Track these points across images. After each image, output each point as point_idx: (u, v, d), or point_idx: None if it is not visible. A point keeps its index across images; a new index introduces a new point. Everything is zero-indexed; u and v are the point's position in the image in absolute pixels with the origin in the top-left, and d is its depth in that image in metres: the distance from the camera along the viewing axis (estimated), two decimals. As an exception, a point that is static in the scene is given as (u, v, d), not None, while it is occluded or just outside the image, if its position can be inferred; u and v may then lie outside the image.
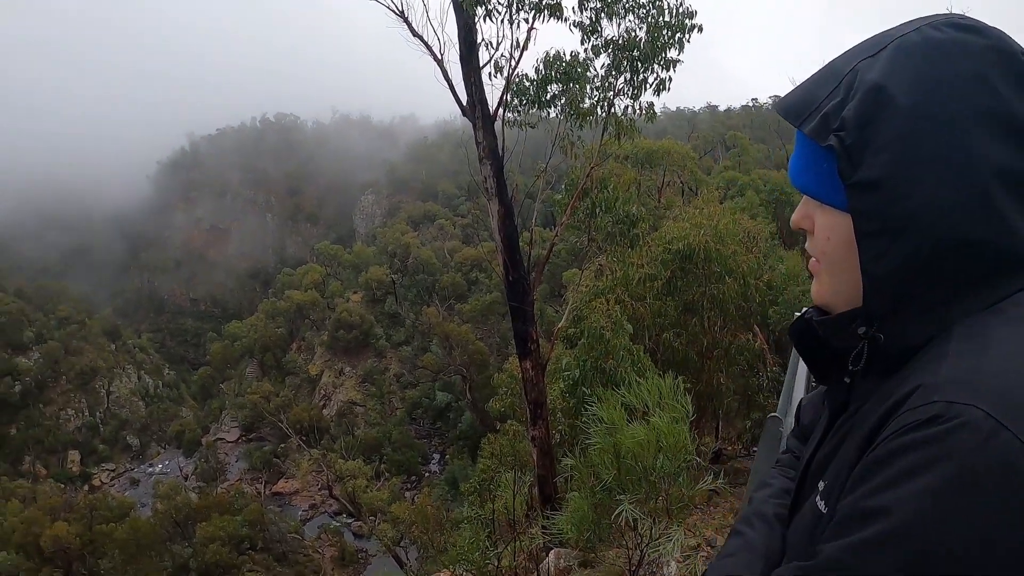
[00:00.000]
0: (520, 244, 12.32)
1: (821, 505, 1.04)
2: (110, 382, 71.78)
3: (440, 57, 11.47)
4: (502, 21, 11.26)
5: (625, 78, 11.99)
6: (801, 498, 1.18)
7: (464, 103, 11.76)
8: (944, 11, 1.03)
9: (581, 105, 11.89)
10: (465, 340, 60.57)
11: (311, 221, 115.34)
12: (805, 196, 1.09)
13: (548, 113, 12.23)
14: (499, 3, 11.10)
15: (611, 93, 12.08)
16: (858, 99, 0.97)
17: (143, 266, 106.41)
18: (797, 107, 1.06)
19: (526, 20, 11.32)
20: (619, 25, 11.74)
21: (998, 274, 0.94)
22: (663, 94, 12.06)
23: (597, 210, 12.92)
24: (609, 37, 11.78)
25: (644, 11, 11.61)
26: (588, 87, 11.92)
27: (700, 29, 11.77)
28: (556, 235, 13.51)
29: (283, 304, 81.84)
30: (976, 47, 0.95)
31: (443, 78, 11.58)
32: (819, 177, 1.04)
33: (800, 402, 1.35)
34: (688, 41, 11.73)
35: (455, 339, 61.10)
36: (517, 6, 11.14)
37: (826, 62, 1.07)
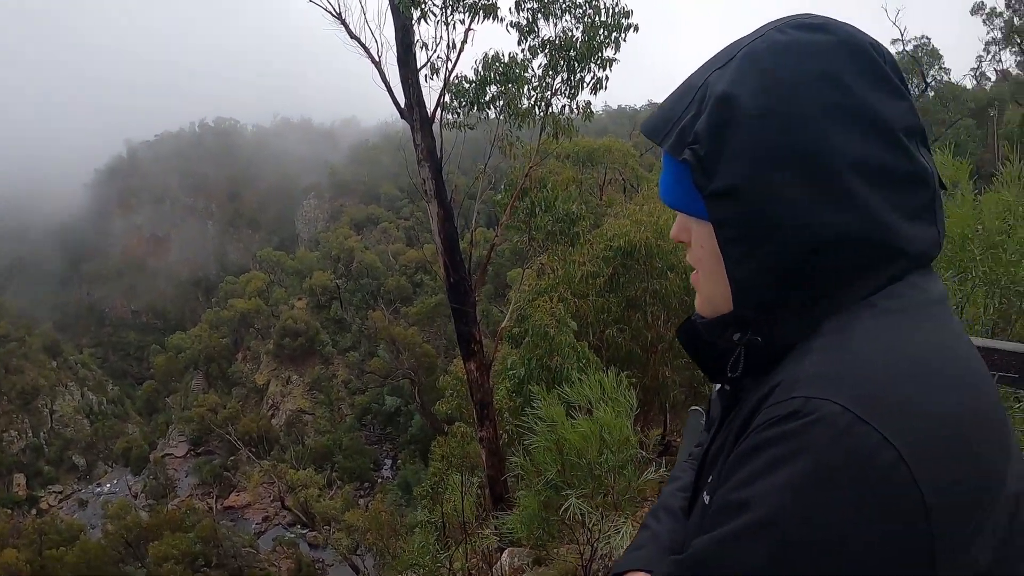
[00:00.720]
0: (461, 245, 12.36)
1: (706, 498, 1.07)
2: (53, 400, 69.86)
3: (378, 59, 11.45)
4: (438, 23, 11.29)
5: (562, 78, 12.05)
6: (697, 491, 1.20)
7: (402, 105, 11.76)
8: (796, 12, 1.05)
9: (519, 106, 11.92)
10: (412, 343, 60.61)
11: (252, 227, 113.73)
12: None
13: (487, 114, 12.27)
14: (434, 4, 11.10)
15: (548, 93, 12.14)
16: (708, 110, 0.98)
17: (83, 278, 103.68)
18: (657, 126, 1.07)
19: (462, 21, 11.36)
20: (556, 25, 11.80)
21: (866, 267, 0.95)
22: (600, 93, 12.24)
23: (537, 209, 12.95)
24: (546, 37, 11.83)
25: (580, 11, 11.66)
26: (526, 88, 11.97)
27: (636, 28, 11.84)
28: (497, 235, 13.58)
29: (226, 313, 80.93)
30: (822, 46, 0.96)
31: (381, 80, 11.57)
32: (684, 191, 1.05)
33: (710, 396, 1.38)
34: (624, 40, 11.79)
35: (402, 342, 61.05)
36: (452, 7, 11.16)
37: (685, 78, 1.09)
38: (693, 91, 1.03)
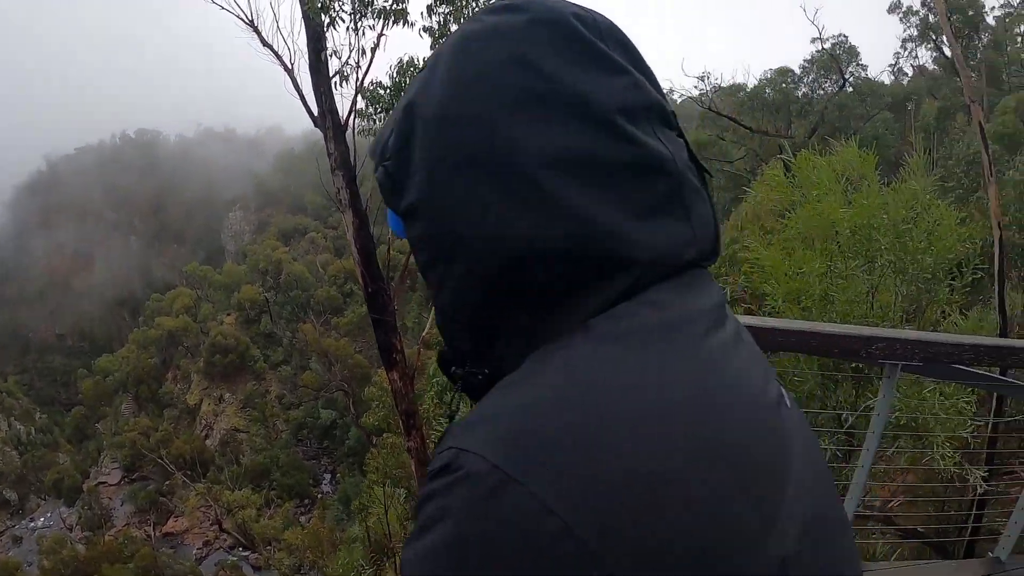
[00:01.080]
0: (379, 254, 12.25)
1: None
2: (-26, 432, 68.17)
3: (290, 66, 11.57)
4: (348, 29, 11.61)
5: None
6: None
7: (315, 113, 11.88)
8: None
9: None
10: (344, 355, 60.74)
11: (178, 241, 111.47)
12: None
13: None
14: (343, 10, 11.45)
15: None
16: (396, 123, 0.86)
17: (4, 301, 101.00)
18: (373, 146, 0.93)
19: (372, 27, 11.70)
20: None
21: (585, 282, 0.78)
22: None
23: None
24: None
25: None
26: None
27: None
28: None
29: (154, 332, 79.08)
30: (512, 26, 0.82)
31: (293, 88, 11.81)
32: (392, 214, 0.90)
33: None
34: None
35: (334, 354, 61.15)
36: (361, 13, 11.53)
37: None
38: (401, 102, 0.88)
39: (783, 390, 0.88)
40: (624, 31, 0.88)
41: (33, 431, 73.78)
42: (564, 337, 0.76)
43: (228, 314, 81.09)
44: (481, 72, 0.80)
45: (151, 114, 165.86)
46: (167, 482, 59.15)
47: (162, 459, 54.12)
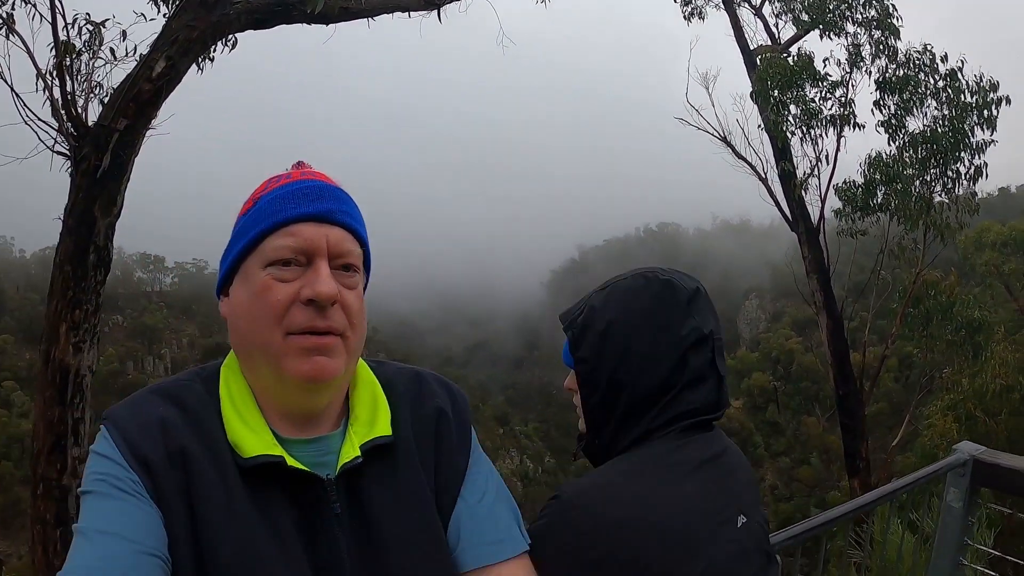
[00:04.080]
0: (851, 357, 12.01)
1: None
2: (495, 461, 76.68)
3: (764, 176, 11.88)
4: (801, 140, 11.53)
5: (935, 173, 11.44)
6: None
7: (789, 218, 11.98)
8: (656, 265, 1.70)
9: (909, 205, 11.38)
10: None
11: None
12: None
13: (877, 218, 11.93)
14: (794, 126, 11.41)
15: (927, 191, 11.53)
16: (583, 313, 1.61)
17: (535, 361, 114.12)
18: (564, 316, 1.69)
19: (823, 135, 11.53)
20: (924, 116, 11.36)
21: (635, 412, 1.52)
22: (981, 180, 11.17)
23: (934, 318, 12.23)
24: (914, 131, 11.40)
25: (943, 95, 11.10)
26: (911, 186, 11.45)
27: (1008, 101, 10.96)
28: (888, 347, 12.95)
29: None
30: (649, 290, 1.57)
31: (768, 195, 11.93)
32: (567, 356, 1.66)
33: None
34: (997, 115, 10.93)
35: (835, 452, 57.70)
36: (808, 125, 11.39)
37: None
38: (584, 302, 1.66)
39: (742, 515, 1.50)
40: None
41: (540, 470, 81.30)
42: (632, 446, 1.53)
43: (736, 399, 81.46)
44: (634, 307, 1.56)
45: (669, 208, 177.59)
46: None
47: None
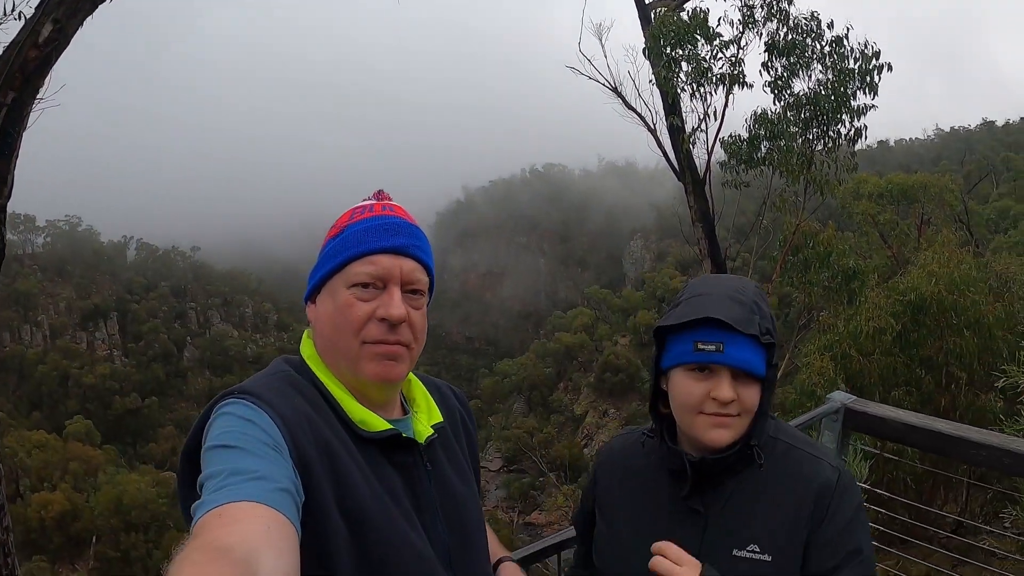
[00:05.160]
0: None
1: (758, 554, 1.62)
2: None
3: (652, 127, 12.33)
4: (691, 97, 11.98)
5: (817, 132, 12.01)
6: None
7: (676, 168, 12.51)
8: None
9: (792, 161, 11.93)
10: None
11: (582, 266, 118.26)
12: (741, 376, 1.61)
13: (761, 171, 12.42)
14: (682, 81, 11.81)
15: (808, 149, 12.11)
16: (769, 319, 1.63)
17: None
18: (747, 324, 1.57)
19: (712, 93, 11.91)
20: (809, 79, 11.85)
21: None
22: (861, 141, 11.98)
23: (812, 265, 13.01)
24: (799, 92, 11.91)
25: (828, 60, 11.63)
26: (793, 143, 11.97)
27: (890, 67, 11.54)
28: (768, 292, 13.67)
29: (553, 345, 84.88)
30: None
31: (657, 146, 12.40)
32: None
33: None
34: (879, 81, 11.51)
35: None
36: (699, 83, 11.79)
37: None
38: (751, 305, 1.60)
39: None
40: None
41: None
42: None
43: (623, 335, 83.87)
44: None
45: (558, 150, 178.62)
46: (540, 479, 61.69)
47: (540, 458, 56.66)
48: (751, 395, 1.58)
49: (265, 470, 1.18)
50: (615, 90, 12.56)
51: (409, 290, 1.51)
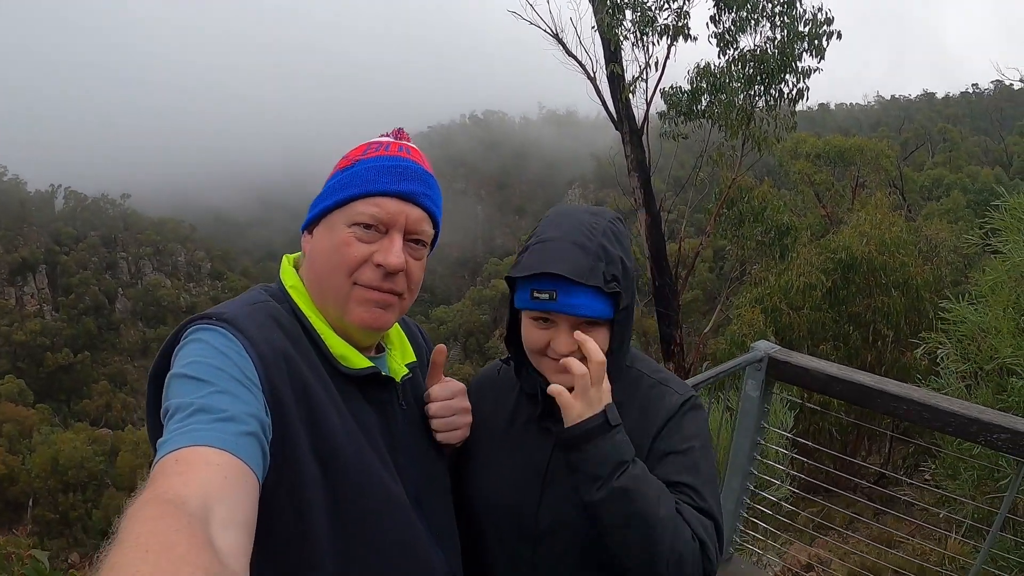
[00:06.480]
0: (667, 252, 12.84)
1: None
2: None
3: (592, 75, 12.28)
4: (633, 46, 11.96)
5: (760, 89, 12.12)
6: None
7: (615, 117, 12.52)
8: None
9: (731, 116, 12.08)
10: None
11: (519, 213, 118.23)
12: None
13: (700, 124, 12.59)
14: (627, 30, 11.79)
15: (749, 105, 12.22)
16: (623, 263, 1.56)
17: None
18: (589, 275, 1.53)
19: (656, 43, 11.93)
20: (756, 36, 11.92)
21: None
22: (802, 101, 12.13)
23: (746, 220, 13.27)
24: (745, 49, 11.98)
25: (779, 20, 11.66)
26: (735, 98, 12.06)
27: (839, 35, 11.66)
28: (702, 244, 13.94)
29: (489, 292, 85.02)
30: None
31: (596, 95, 12.39)
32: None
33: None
34: (827, 47, 11.63)
35: (653, 335, 60.67)
36: (643, 32, 11.78)
37: None
38: (597, 248, 1.56)
39: None
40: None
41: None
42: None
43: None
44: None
45: (498, 96, 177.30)
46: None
47: (477, 403, 57.37)
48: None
49: (233, 410, 1.13)
50: (556, 36, 12.42)
51: (412, 239, 1.46)
